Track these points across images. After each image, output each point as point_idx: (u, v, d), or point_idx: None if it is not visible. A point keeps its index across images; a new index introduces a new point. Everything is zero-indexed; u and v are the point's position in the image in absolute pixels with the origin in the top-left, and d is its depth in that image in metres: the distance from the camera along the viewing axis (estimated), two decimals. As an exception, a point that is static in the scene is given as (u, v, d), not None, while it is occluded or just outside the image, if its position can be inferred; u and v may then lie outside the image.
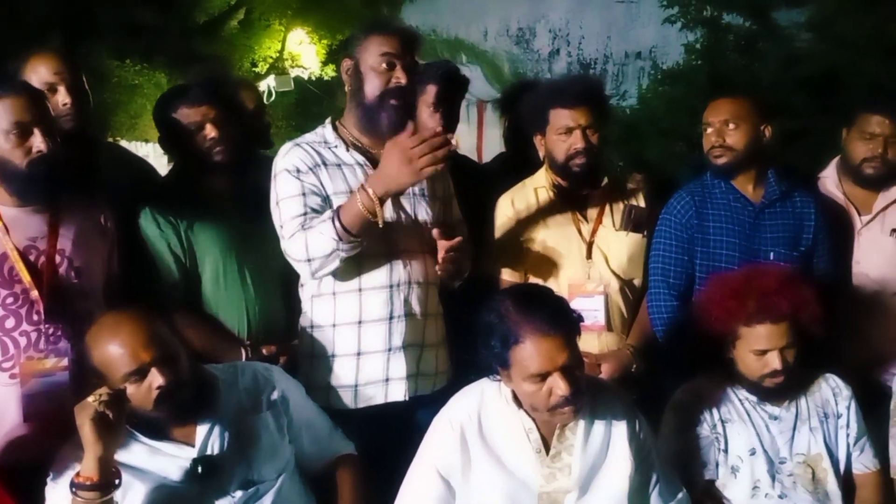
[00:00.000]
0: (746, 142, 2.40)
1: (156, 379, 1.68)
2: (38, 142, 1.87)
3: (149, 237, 2.19)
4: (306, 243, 1.98)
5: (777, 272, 2.06)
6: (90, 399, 1.63)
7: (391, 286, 2.08)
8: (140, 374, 1.68)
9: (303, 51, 9.56)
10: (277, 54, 9.45)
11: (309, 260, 1.99)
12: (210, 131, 2.22)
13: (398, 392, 2.12)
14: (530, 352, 1.64)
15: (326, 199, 2.07)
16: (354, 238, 1.95)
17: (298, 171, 2.07)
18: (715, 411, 2.10)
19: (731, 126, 2.40)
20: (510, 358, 1.67)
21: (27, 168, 1.87)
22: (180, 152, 2.31)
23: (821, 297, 2.01)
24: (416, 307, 2.12)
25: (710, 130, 2.45)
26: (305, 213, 2.02)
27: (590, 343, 2.33)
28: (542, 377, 1.65)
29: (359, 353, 2.10)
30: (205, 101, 2.24)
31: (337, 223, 1.93)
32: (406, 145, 1.87)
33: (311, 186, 2.06)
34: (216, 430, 1.80)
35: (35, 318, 1.91)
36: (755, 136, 2.42)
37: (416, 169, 1.87)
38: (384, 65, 2.06)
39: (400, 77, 2.06)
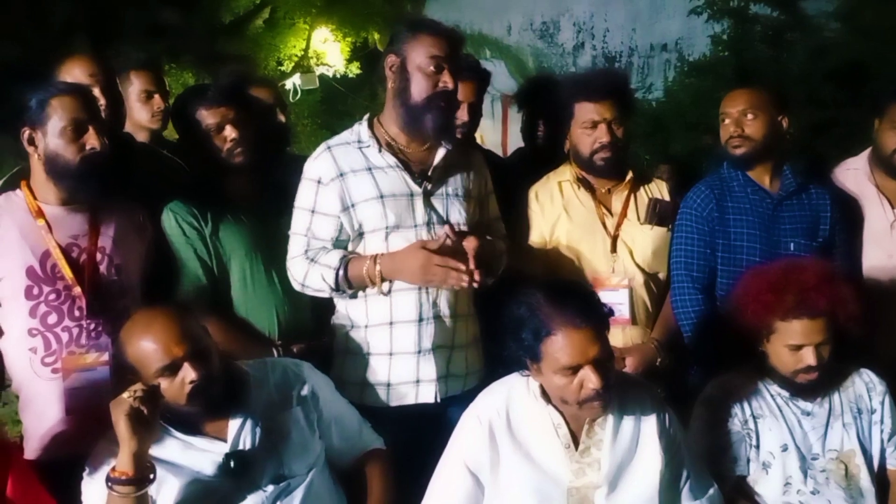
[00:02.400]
0: (764, 132, 2.40)
1: (188, 374, 1.71)
2: (92, 139, 1.93)
3: (174, 244, 2.19)
4: (306, 274, 2.11)
5: (816, 268, 2.03)
6: (125, 395, 1.66)
7: (419, 289, 2.08)
8: (173, 368, 1.71)
9: (327, 49, 9.60)
10: (302, 53, 9.50)
11: (303, 285, 2.14)
12: (230, 132, 2.20)
13: (428, 394, 2.13)
14: (562, 344, 1.64)
15: (347, 210, 2.08)
16: (350, 290, 2.10)
17: (320, 181, 2.10)
18: (746, 406, 2.08)
19: (750, 116, 2.40)
20: (541, 351, 1.67)
21: (80, 164, 1.92)
22: (200, 154, 2.28)
23: (859, 296, 1.98)
24: (444, 309, 2.12)
25: (727, 121, 2.45)
26: (307, 237, 2.12)
27: (614, 337, 2.30)
28: (574, 370, 1.65)
29: (391, 354, 2.12)
30: (224, 102, 2.22)
31: (341, 273, 2.06)
32: (431, 256, 1.97)
33: (323, 205, 2.10)
34: (248, 425, 1.82)
35: (77, 314, 1.95)
36: (773, 126, 2.41)
37: (425, 278, 2.00)
38: (433, 67, 2.03)
39: (447, 81, 2.04)
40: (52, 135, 1.91)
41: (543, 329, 1.66)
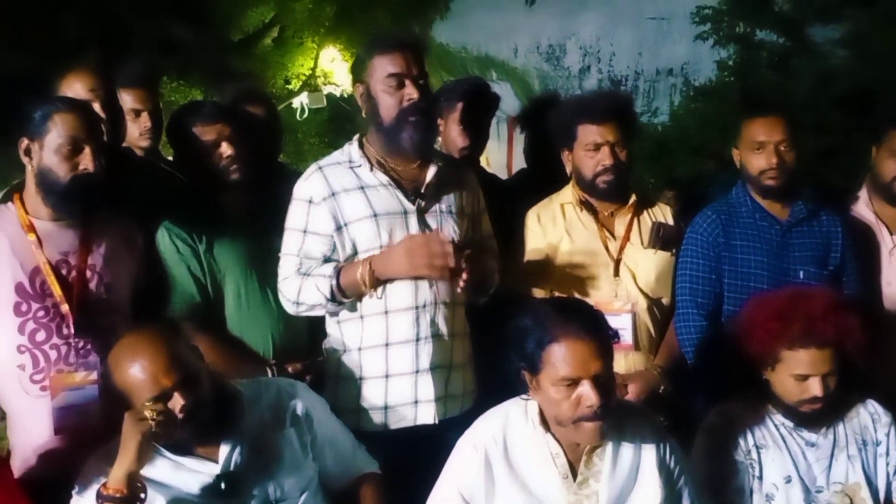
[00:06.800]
0: (797, 161, 2.35)
1: (178, 402, 1.68)
2: (86, 160, 1.91)
3: (168, 261, 2.17)
4: (300, 289, 2.07)
5: (825, 297, 1.99)
6: (147, 413, 1.63)
7: (417, 307, 2.06)
8: (163, 398, 1.68)
9: (335, 68, 9.64)
10: (310, 71, 9.54)
11: (297, 303, 2.09)
12: (226, 149, 2.19)
13: (427, 415, 2.09)
14: (564, 353, 1.61)
15: (340, 229, 2.06)
16: (346, 300, 2.06)
17: (311, 201, 2.08)
18: (749, 436, 2.04)
19: (787, 146, 2.34)
20: (542, 359, 1.64)
21: (69, 183, 1.90)
22: (196, 170, 2.27)
23: (866, 326, 1.95)
24: (443, 328, 2.09)
25: (762, 150, 2.35)
26: (299, 257, 2.08)
27: (616, 363, 2.24)
28: (573, 383, 1.62)
29: (387, 376, 2.09)
30: (220, 119, 2.22)
31: (334, 282, 2.02)
32: (415, 238, 1.98)
33: (316, 224, 2.07)
34: (239, 446, 1.79)
35: (65, 331, 1.93)
36: (801, 153, 2.36)
37: (411, 261, 1.97)
38: (393, 85, 2.03)
39: (411, 93, 2.03)
40: (48, 149, 1.90)
41: (547, 336, 1.63)
